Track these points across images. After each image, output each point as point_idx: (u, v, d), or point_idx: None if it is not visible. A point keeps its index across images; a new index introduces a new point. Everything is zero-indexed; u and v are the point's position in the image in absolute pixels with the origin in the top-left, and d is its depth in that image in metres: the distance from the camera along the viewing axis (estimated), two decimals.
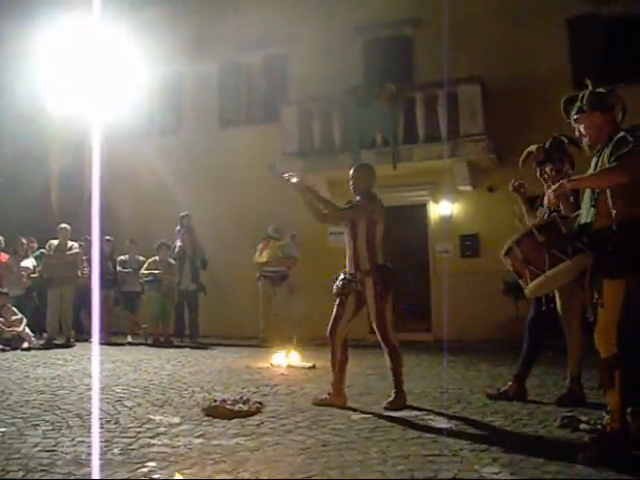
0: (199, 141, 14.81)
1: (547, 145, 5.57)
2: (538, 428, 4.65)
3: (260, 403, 5.43)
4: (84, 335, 11.47)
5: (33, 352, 9.70)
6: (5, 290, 10.64)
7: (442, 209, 13.06)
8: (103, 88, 12.65)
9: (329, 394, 5.55)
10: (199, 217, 12.65)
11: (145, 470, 3.69)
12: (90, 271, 11.23)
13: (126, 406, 5.50)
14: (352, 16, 13.77)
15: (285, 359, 8.30)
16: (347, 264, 5.68)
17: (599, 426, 4.05)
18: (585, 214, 3.93)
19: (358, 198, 5.73)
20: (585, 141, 4.03)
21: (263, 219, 12.02)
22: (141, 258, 11.88)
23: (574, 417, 4.67)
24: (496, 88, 12.42)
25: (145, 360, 8.78)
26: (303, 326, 11.65)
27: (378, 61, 13.87)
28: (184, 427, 4.73)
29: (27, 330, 10.42)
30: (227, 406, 5.16)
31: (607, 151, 3.81)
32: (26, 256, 11.76)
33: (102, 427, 4.68)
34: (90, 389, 6.24)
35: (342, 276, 5.68)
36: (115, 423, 4.85)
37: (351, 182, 5.81)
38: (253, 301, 11.57)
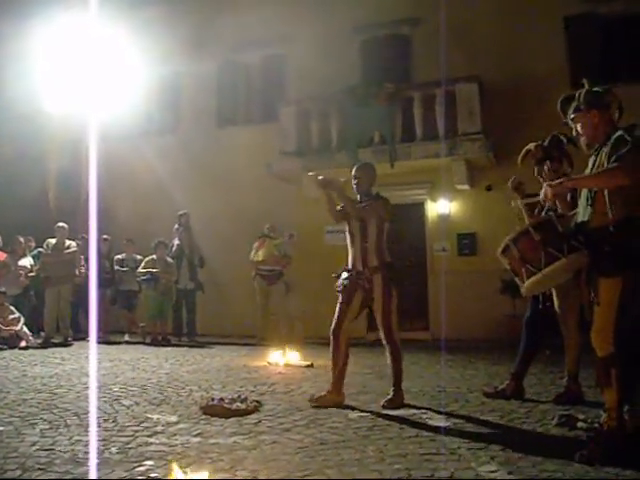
0: (197, 140, 14.81)
1: (546, 143, 5.57)
2: (536, 426, 4.66)
3: (258, 402, 5.43)
4: (81, 334, 11.47)
5: (31, 351, 9.70)
6: (3, 289, 10.63)
7: (440, 208, 13.07)
8: (101, 88, 12.64)
9: (328, 392, 5.54)
10: (197, 216, 12.66)
11: (143, 469, 3.69)
12: (87, 270, 11.23)
13: (124, 405, 5.50)
14: (350, 15, 13.78)
15: (283, 358, 8.30)
16: (351, 261, 5.65)
17: (596, 424, 4.06)
18: (582, 213, 3.93)
19: (366, 198, 5.71)
20: (582, 140, 4.04)
21: (261, 218, 12.02)
22: (138, 257, 11.88)
23: (571, 415, 4.68)
24: (494, 87, 12.43)
25: (143, 359, 8.78)
26: (300, 324, 11.68)
27: (376, 60, 13.88)
28: (182, 426, 4.73)
29: (25, 329, 10.42)
30: (225, 405, 5.16)
31: (605, 150, 3.81)
32: (24, 255, 11.75)
33: (100, 426, 4.68)
34: (88, 388, 6.24)
35: (346, 274, 5.65)
36: (113, 422, 4.84)
37: (355, 181, 5.79)
38: (251, 300, 11.58)
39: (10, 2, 14.75)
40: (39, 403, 5.54)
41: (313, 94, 13.43)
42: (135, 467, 3.72)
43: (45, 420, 4.88)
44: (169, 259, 11.55)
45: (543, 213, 5.11)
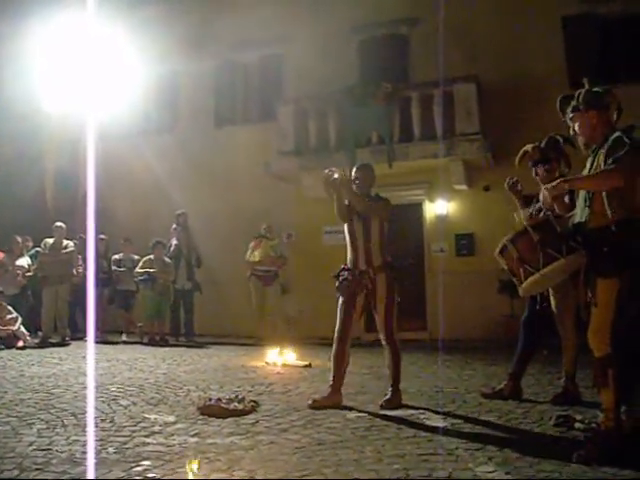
0: (195, 140, 14.80)
1: (543, 144, 5.57)
2: (533, 427, 4.66)
3: (255, 402, 5.43)
4: (79, 334, 11.45)
5: (28, 351, 9.69)
6: (0, 289, 10.62)
7: (438, 208, 13.08)
8: (99, 87, 12.61)
9: (330, 395, 5.52)
10: (195, 216, 12.65)
11: (140, 469, 3.69)
12: (85, 270, 11.22)
13: (121, 405, 5.50)
14: (348, 15, 13.78)
15: (280, 358, 8.30)
16: (353, 261, 5.62)
17: (594, 425, 4.07)
18: (579, 213, 3.93)
19: (366, 199, 5.69)
20: (580, 140, 4.05)
21: (259, 217, 12.01)
22: (136, 257, 11.86)
23: (569, 416, 4.69)
24: (492, 87, 12.44)
25: (140, 359, 8.77)
26: (298, 324, 11.69)
27: (374, 60, 13.89)
28: (179, 426, 4.73)
29: (22, 329, 10.39)
30: (222, 405, 5.16)
31: (603, 151, 3.81)
32: (21, 255, 11.73)
33: (97, 426, 4.67)
34: (85, 388, 6.23)
35: (347, 274, 5.61)
36: (110, 422, 4.84)
37: (356, 182, 5.77)
38: (249, 300, 11.57)
39: (8, 2, 14.74)
40: (36, 403, 5.54)
41: (311, 94, 13.43)
42: (132, 467, 3.72)
43: (42, 420, 4.88)
44: (167, 259, 11.54)
45: (541, 214, 5.12)
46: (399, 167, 12.10)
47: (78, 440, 4.29)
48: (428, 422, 4.83)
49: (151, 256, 11.40)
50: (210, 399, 5.34)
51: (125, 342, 11.30)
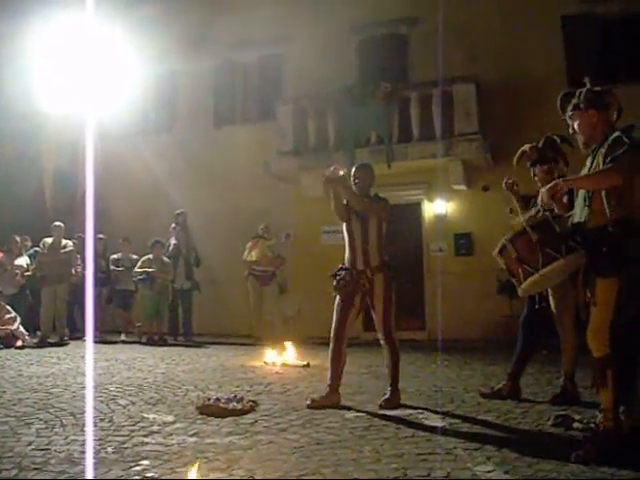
0: (194, 139, 14.79)
1: (540, 144, 5.57)
2: (532, 427, 4.66)
3: (254, 402, 5.43)
4: (78, 333, 11.45)
5: (27, 350, 9.68)
6: None
7: (436, 208, 13.07)
8: (97, 86, 12.61)
9: (328, 395, 5.52)
10: (194, 215, 12.64)
11: (139, 468, 3.69)
12: (84, 269, 11.22)
13: (120, 405, 5.49)
14: (347, 15, 13.78)
15: (279, 357, 8.30)
16: (351, 261, 5.61)
17: (592, 425, 4.06)
18: (579, 213, 3.93)
19: (366, 198, 5.69)
20: (579, 138, 4.04)
21: (258, 217, 12.01)
22: (134, 256, 11.85)
23: (568, 416, 4.69)
24: (491, 87, 12.43)
25: (139, 358, 8.77)
26: (296, 324, 11.69)
27: (373, 60, 13.89)
28: (178, 425, 4.72)
29: (21, 328, 10.39)
30: (221, 404, 5.16)
31: (602, 151, 3.81)
32: (20, 254, 11.73)
33: (96, 426, 4.67)
34: (84, 387, 6.23)
35: (344, 273, 5.60)
36: (109, 422, 4.84)
37: (356, 182, 5.76)
38: (247, 299, 11.58)
39: (6, 1, 14.72)
40: (35, 402, 5.53)
41: (310, 93, 13.42)
42: (131, 467, 3.72)
43: (41, 420, 4.87)
44: (165, 259, 11.53)
45: (540, 214, 5.12)
46: (398, 167, 12.10)
47: (77, 440, 4.29)
48: (427, 422, 4.83)
49: (150, 256, 11.40)
50: (209, 399, 5.34)
51: (124, 342, 11.30)
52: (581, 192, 3.94)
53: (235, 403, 5.23)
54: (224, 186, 14.24)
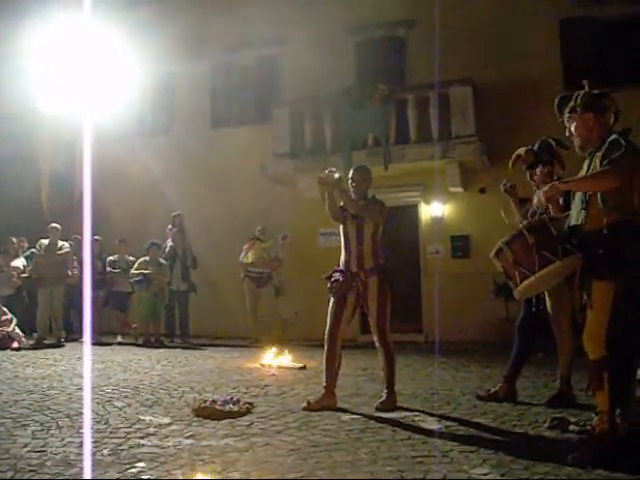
0: (191, 141, 14.78)
1: (535, 148, 5.58)
2: (528, 429, 4.66)
3: (250, 404, 5.43)
4: (74, 335, 11.44)
5: (23, 352, 9.66)
6: None
7: (433, 210, 13.09)
8: (94, 88, 12.61)
9: (324, 397, 5.51)
10: (191, 217, 12.65)
11: (134, 471, 3.68)
12: (80, 271, 11.21)
13: (116, 406, 5.49)
14: (344, 17, 13.80)
15: (276, 359, 8.30)
16: (345, 263, 5.62)
17: (588, 427, 4.07)
18: (575, 216, 3.94)
19: (363, 201, 5.69)
20: (576, 141, 4.05)
21: (254, 219, 12.02)
22: (131, 258, 11.84)
23: (564, 418, 4.69)
24: (488, 90, 12.46)
25: (135, 360, 8.76)
26: (293, 326, 11.68)
27: (370, 62, 13.90)
28: (174, 427, 4.72)
29: (17, 330, 10.38)
30: (217, 407, 5.15)
31: (599, 154, 3.82)
32: (16, 256, 11.72)
33: (92, 427, 4.66)
34: (80, 389, 6.23)
35: (338, 275, 5.60)
36: (105, 423, 4.83)
37: (353, 184, 5.76)
38: (243, 301, 11.58)
39: (3, 2, 14.71)
40: (31, 404, 5.52)
41: (307, 95, 13.43)
42: (127, 469, 3.71)
43: (37, 422, 4.86)
44: (162, 260, 11.52)
45: (536, 216, 5.13)
46: (395, 169, 12.11)
47: (73, 442, 4.28)
48: (423, 424, 4.83)
49: (146, 257, 11.39)
50: (205, 401, 5.33)
51: (120, 343, 11.28)
52: (578, 195, 3.95)
53: (231, 405, 5.22)
54: (221, 188, 14.23)
